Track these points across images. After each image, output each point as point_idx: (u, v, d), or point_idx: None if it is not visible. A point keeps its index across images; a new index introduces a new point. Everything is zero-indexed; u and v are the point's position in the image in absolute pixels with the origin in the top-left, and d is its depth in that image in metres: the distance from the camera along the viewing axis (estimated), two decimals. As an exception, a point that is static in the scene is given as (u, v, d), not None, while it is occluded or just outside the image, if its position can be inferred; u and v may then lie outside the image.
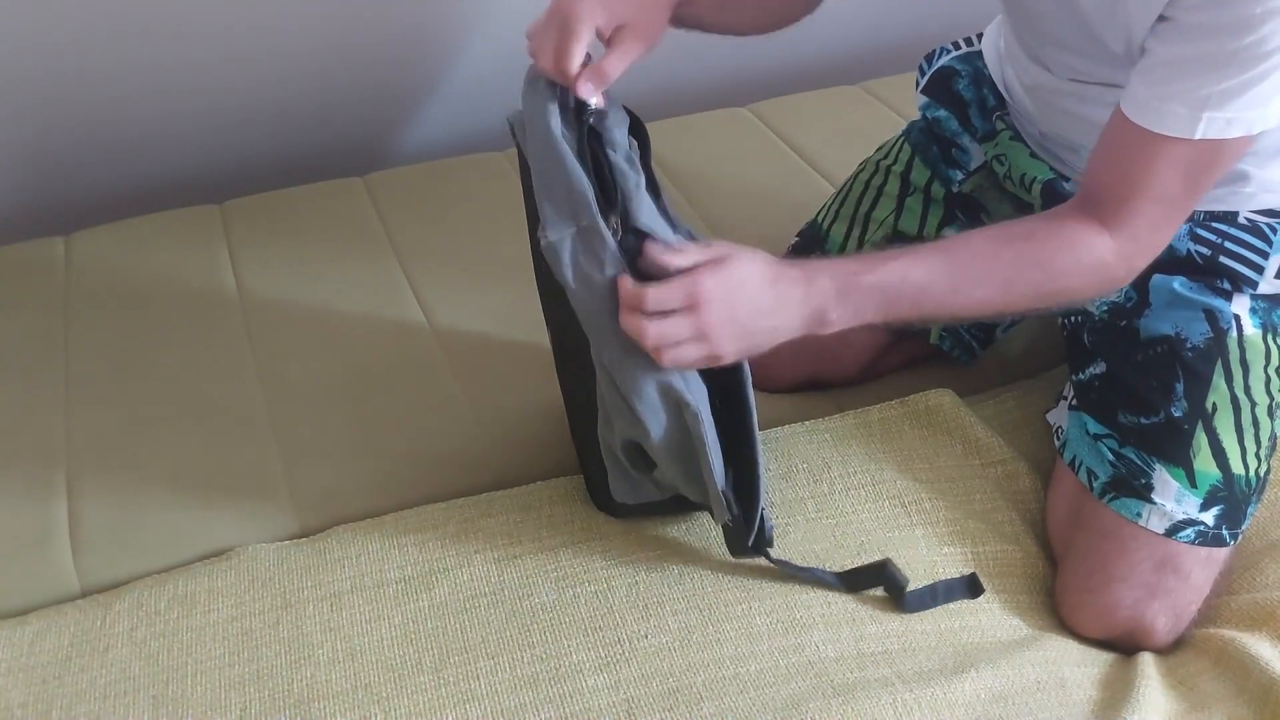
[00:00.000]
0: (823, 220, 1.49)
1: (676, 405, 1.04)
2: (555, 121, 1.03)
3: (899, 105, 1.96)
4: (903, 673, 1.10)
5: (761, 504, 1.11)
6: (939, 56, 1.47)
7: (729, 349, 1.02)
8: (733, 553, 1.17)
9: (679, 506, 1.20)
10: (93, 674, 1.10)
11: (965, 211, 1.40)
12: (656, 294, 0.99)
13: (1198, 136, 1.00)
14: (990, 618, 1.17)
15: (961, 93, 1.41)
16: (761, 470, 1.11)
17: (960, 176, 1.41)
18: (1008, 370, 1.47)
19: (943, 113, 1.43)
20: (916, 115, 1.50)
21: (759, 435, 1.11)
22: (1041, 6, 1.16)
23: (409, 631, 1.13)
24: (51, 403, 1.41)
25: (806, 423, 1.33)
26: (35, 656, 1.11)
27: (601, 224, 1.01)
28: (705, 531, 1.21)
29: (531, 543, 1.20)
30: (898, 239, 1.41)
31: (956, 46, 1.46)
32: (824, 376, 1.44)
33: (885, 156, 1.49)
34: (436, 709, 1.06)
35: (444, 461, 1.32)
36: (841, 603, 1.15)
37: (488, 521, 1.22)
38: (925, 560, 1.20)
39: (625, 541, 1.20)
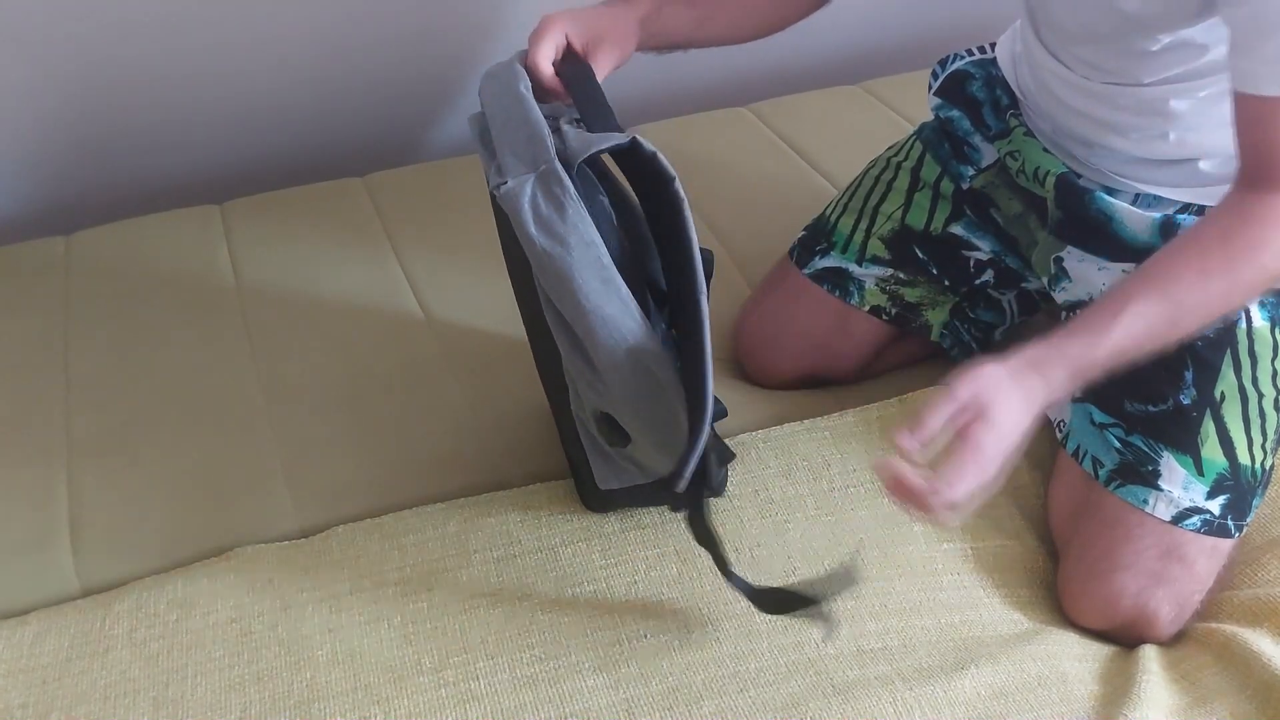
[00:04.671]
0: (831, 213, 1.49)
1: (642, 354, 1.02)
2: (523, 85, 1.08)
3: (899, 105, 1.96)
4: (902, 670, 1.10)
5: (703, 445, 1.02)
6: (952, 62, 1.47)
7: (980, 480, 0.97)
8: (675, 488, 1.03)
9: (665, 493, 1.19)
10: (93, 675, 1.10)
11: (974, 208, 1.40)
12: (952, 485, 0.95)
13: None
14: (990, 612, 1.17)
15: (975, 94, 1.42)
16: (709, 407, 1.01)
17: (971, 173, 1.41)
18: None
19: (955, 113, 1.43)
20: (917, 115, 1.50)
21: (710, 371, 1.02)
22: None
23: (408, 632, 1.13)
24: (51, 403, 1.41)
25: (806, 421, 1.33)
26: (35, 658, 1.11)
27: (559, 167, 1.01)
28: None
29: (531, 543, 1.20)
30: (905, 233, 1.41)
31: (970, 53, 1.47)
32: (823, 373, 1.45)
33: (896, 153, 1.49)
34: (436, 709, 1.06)
35: (443, 462, 1.32)
36: (840, 600, 1.15)
37: (487, 522, 1.22)
38: (924, 556, 1.20)
39: (624, 541, 1.20)
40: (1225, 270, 1.04)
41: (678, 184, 1.03)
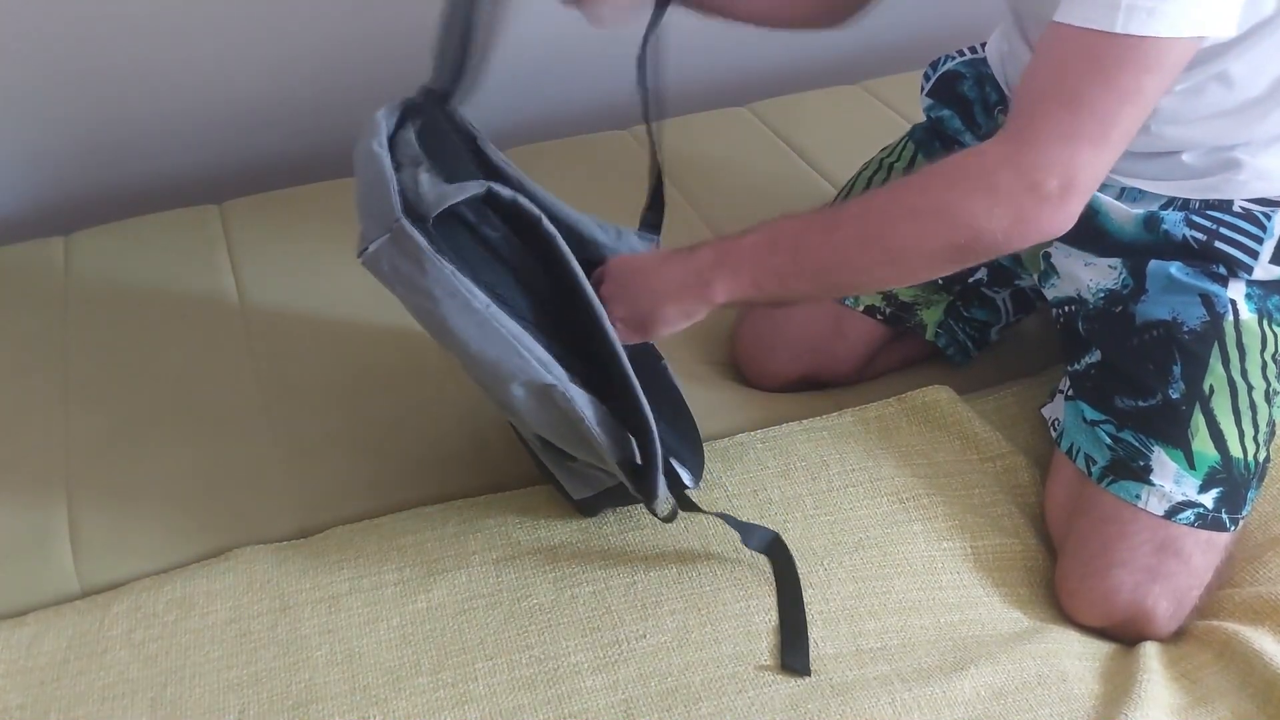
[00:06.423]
0: None
1: (539, 389, 1.03)
2: (376, 143, 1.07)
3: (899, 105, 1.96)
4: (901, 670, 1.10)
5: (660, 452, 1.07)
6: (944, 63, 1.47)
7: (618, 312, 1.10)
8: (650, 505, 1.10)
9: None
10: (91, 676, 1.10)
11: None
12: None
13: (1119, 29, 0.94)
14: (990, 611, 1.17)
15: (965, 93, 1.42)
16: (650, 419, 1.05)
17: None
18: (1005, 369, 1.47)
19: (946, 112, 1.43)
20: (917, 114, 1.50)
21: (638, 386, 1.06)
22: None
23: (407, 633, 1.12)
24: (51, 403, 1.41)
25: (804, 421, 1.33)
26: (33, 659, 1.11)
27: (408, 225, 0.99)
28: (703, 531, 1.21)
29: (529, 544, 1.20)
30: None
31: (961, 53, 1.47)
32: (820, 375, 1.45)
33: (889, 155, 1.49)
34: (434, 710, 1.06)
35: (442, 463, 1.32)
36: (839, 600, 1.15)
37: (485, 523, 1.22)
38: (924, 555, 1.20)
39: (622, 542, 1.20)
40: (888, 194, 1.06)
41: (545, 223, 1.05)
